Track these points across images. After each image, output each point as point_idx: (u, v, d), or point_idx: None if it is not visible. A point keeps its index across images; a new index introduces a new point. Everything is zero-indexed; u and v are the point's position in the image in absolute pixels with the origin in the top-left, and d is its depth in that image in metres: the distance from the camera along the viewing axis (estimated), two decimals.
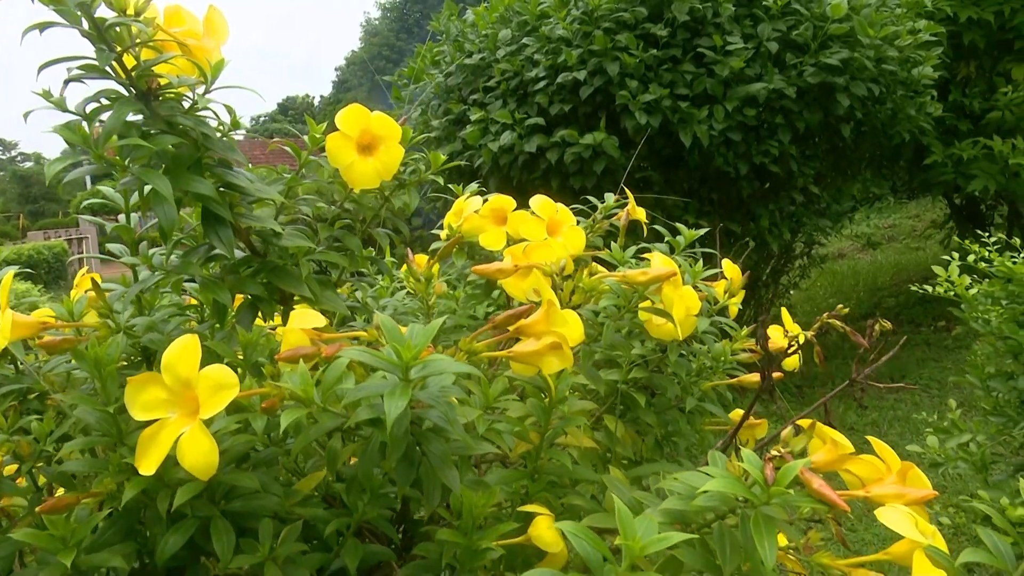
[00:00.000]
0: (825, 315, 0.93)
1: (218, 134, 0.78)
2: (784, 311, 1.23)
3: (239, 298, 0.93)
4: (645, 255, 1.00)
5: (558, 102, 3.69)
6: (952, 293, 2.10)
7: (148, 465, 0.64)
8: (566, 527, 0.54)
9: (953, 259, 2.12)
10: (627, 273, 0.88)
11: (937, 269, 2.09)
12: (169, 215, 0.72)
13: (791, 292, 5.42)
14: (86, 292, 0.89)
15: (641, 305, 0.89)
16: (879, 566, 0.68)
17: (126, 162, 0.72)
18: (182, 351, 0.63)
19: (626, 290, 0.91)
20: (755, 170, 3.81)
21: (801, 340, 0.93)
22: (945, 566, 0.63)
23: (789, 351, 0.94)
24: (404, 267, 1.19)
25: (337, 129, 0.85)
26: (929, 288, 2.17)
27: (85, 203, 1.02)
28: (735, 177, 3.77)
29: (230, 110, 0.80)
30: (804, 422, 0.71)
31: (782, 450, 0.61)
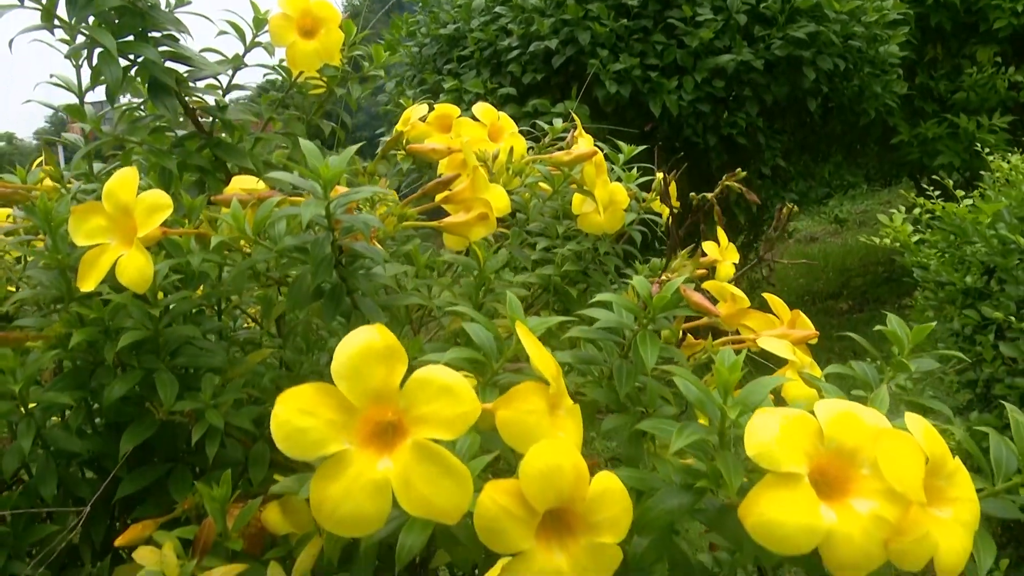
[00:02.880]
0: (725, 177, 1.00)
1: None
2: (720, 231, 1.30)
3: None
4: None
5: (531, 71, 3.74)
6: (897, 243, 2.18)
7: (89, 282, 0.69)
8: (462, 310, 0.60)
9: (899, 211, 2.21)
10: (553, 155, 0.94)
11: (882, 218, 2.18)
12: (114, 73, 0.77)
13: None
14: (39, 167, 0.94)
15: (572, 185, 0.95)
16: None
17: (73, 22, 0.77)
18: (122, 180, 0.68)
19: (556, 175, 0.97)
20: (724, 142, 3.89)
21: (710, 197, 0.99)
22: (817, 386, 0.70)
23: (693, 205, 1.00)
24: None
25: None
26: (876, 240, 2.25)
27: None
28: (704, 148, 3.84)
29: None
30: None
31: (669, 275, 0.67)
